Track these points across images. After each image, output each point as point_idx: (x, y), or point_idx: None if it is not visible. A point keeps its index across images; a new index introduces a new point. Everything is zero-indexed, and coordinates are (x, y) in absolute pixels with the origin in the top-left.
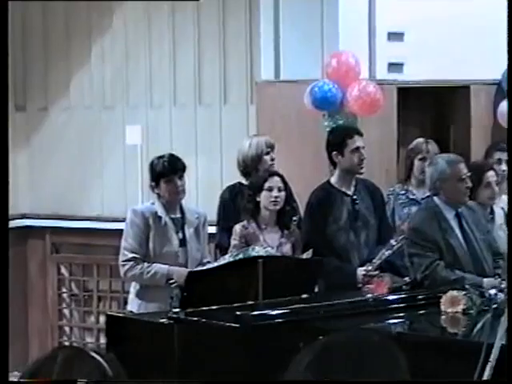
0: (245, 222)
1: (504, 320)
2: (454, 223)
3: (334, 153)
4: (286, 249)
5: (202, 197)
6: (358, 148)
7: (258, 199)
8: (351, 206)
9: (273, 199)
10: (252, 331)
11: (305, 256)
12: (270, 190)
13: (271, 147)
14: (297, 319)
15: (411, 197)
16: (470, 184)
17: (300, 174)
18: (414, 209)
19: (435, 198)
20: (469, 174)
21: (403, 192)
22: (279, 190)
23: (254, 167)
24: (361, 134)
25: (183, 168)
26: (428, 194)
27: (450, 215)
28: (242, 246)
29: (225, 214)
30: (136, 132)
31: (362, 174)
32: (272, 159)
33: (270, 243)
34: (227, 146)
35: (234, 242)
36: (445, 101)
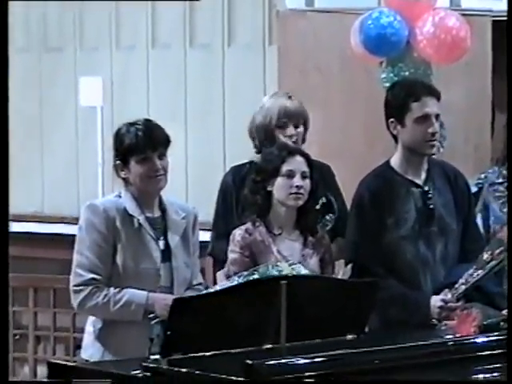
0: (248, 225)
1: None
2: None
3: (392, 121)
4: (312, 264)
5: (192, 186)
6: (426, 116)
7: (269, 189)
8: (422, 202)
9: (294, 190)
10: None
11: (341, 275)
12: (290, 176)
13: (289, 116)
14: (337, 372)
15: None
16: None
17: (343, 151)
18: None
19: None
20: None
21: (501, 180)
22: (303, 176)
23: (262, 143)
24: (434, 94)
25: (166, 142)
26: None
27: None
28: (244, 262)
29: (226, 209)
30: (94, 87)
31: (432, 154)
32: (291, 135)
33: (287, 256)
34: (232, 110)
35: (232, 255)
36: None
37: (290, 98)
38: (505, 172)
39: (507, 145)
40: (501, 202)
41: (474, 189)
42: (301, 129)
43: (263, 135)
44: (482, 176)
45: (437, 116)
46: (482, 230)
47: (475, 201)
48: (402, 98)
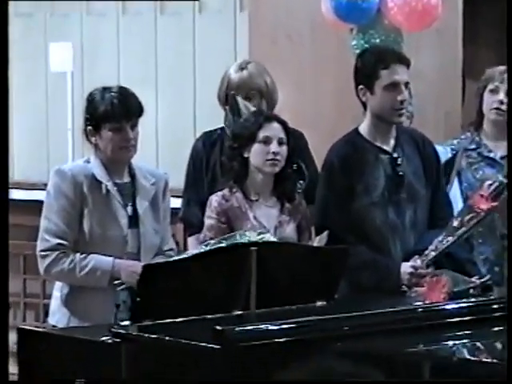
0: (225, 191)
1: None
2: None
3: (361, 88)
4: (289, 231)
5: (163, 152)
6: (395, 83)
7: (246, 155)
8: (391, 169)
9: (270, 157)
10: (239, 354)
11: (318, 242)
12: (266, 142)
13: (235, 88)
14: (308, 338)
15: (486, 154)
16: None
17: (315, 118)
18: (490, 172)
19: None
20: None
21: (473, 146)
22: (279, 142)
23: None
24: (404, 62)
25: (140, 112)
26: None
27: None
28: (220, 228)
29: (196, 175)
30: (64, 53)
31: (400, 123)
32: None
33: (263, 222)
34: (203, 76)
35: (208, 221)
36: None
37: (241, 69)
38: (477, 138)
39: (507, 140)
40: (473, 169)
41: (448, 154)
42: (255, 101)
43: (225, 102)
44: (455, 142)
45: (406, 84)
46: (459, 195)
47: (451, 166)
48: (372, 65)
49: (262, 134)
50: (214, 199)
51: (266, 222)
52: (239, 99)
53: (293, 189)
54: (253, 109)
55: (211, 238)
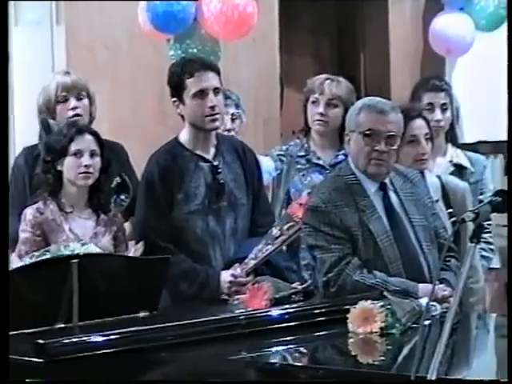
0: (40, 204)
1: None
2: (376, 200)
3: (174, 100)
4: (104, 242)
5: None
6: (202, 90)
7: (59, 168)
8: (211, 177)
9: (82, 170)
10: (63, 368)
11: (133, 253)
12: (78, 155)
13: (67, 89)
14: (130, 349)
15: (315, 161)
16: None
17: (135, 128)
18: (318, 179)
19: (352, 164)
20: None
21: (302, 153)
22: (92, 154)
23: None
24: (210, 68)
25: None
26: (341, 156)
27: (372, 189)
28: (35, 241)
29: (18, 190)
30: None
31: (213, 129)
32: (74, 108)
33: (79, 234)
34: (22, 88)
35: (23, 234)
36: (351, 13)
37: (67, 73)
38: (306, 145)
39: (507, 141)
40: (301, 175)
41: (273, 162)
42: (85, 101)
43: (47, 114)
44: (284, 148)
45: (215, 89)
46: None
47: (281, 172)
48: (178, 76)
49: (73, 147)
50: (29, 212)
51: (81, 235)
52: (50, 121)
53: (107, 200)
54: (61, 125)
55: (26, 252)
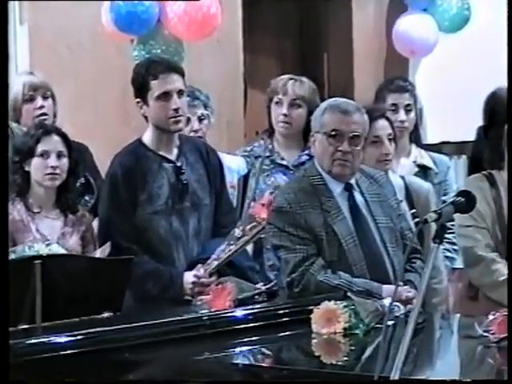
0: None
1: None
2: (341, 201)
3: (138, 101)
4: (72, 242)
5: None
6: (167, 92)
7: (27, 169)
8: (175, 178)
9: (49, 171)
10: (26, 368)
11: (100, 253)
12: (44, 156)
13: (34, 88)
14: (94, 350)
15: (278, 161)
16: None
17: (98, 129)
18: (281, 179)
19: (317, 164)
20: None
21: (267, 154)
22: (59, 156)
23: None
24: (174, 70)
25: None
26: (304, 157)
27: (337, 189)
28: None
29: None
30: None
31: (177, 131)
32: (41, 107)
33: (46, 234)
34: None
35: None
36: (315, 14)
37: (31, 73)
38: (270, 146)
39: (508, 147)
40: (265, 175)
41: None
42: (50, 101)
43: (12, 114)
44: (248, 149)
45: (179, 91)
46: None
47: (248, 172)
48: (142, 77)
49: (40, 148)
50: None
51: (49, 235)
52: (13, 124)
53: (75, 200)
54: (24, 129)
55: None
